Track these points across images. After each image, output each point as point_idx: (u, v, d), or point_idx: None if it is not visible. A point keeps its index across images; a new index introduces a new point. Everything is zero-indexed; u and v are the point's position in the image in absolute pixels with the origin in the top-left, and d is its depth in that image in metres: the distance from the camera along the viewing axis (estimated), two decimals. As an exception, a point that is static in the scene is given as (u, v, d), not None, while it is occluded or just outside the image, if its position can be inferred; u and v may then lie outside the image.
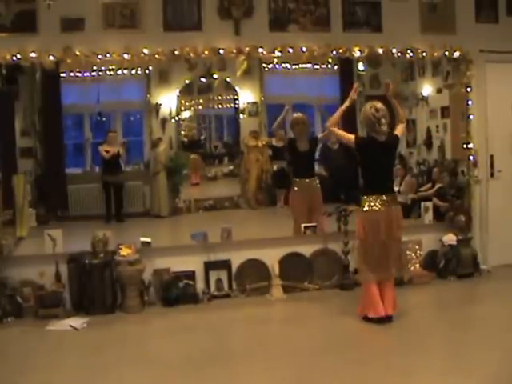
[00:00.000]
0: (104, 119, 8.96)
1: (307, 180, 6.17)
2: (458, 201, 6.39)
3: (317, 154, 7.00)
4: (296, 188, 6.18)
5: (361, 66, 7.60)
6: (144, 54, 5.49)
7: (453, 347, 4.28)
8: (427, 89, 7.45)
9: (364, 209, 4.78)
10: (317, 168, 7.81)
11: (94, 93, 8.23)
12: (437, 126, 7.32)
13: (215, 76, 8.42)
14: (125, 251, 5.30)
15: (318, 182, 6.23)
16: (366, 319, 4.74)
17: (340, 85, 8.16)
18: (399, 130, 4.92)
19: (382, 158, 4.76)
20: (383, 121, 4.67)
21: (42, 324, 4.94)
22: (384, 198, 4.73)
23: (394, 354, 4.14)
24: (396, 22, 6.03)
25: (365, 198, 4.78)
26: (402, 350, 4.23)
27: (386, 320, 4.68)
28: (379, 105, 4.71)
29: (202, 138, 9.27)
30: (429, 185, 7.11)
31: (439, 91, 7.17)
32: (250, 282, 5.68)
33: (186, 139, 8.90)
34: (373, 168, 4.79)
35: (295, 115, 6.42)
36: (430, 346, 4.27)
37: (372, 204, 4.73)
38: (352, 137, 4.84)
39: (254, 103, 8.41)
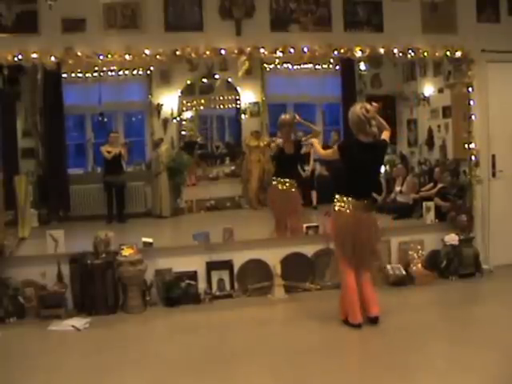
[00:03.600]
0: (106, 120, 8.96)
1: (286, 180, 6.14)
2: (459, 201, 6.38)
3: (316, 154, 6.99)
4: (274, 187, 6.19)
5: (362, 66, 7.61)
6: (145, 54, 5.49)
7: (454, 347, 4.27)
8: (429, 88, 7.44)
9: (336, 208, 4.66)
10: (318, 168, 7.84)
11: (95, 93, 8.25)
12: (438, 126, 7.31)
13: (216, 76, 8.42)
14: (127, 251, 5.30)
15: (296, 185, 6.19)
16: (346, 323, 4.66)
17: (341, 84, 8.17)
18: (385, 135, 4.76)
19: (365, 161, 4.58)
20: (373, 122, 4.53)
21: (43, 324, 4.94)
22: (356, 203, 4.58)
23: (395, 354, 4.13)
24: (397, 21, 6.02)
25: (337, 197, 4.66)
26: (403, 349, 4.22)
27: (370, 323, 4.62)
28: (369, 106, 4.58)
29: (202, 138, 9.26)
30: (430, 185, 7.10)
31: (441, 91, 7.17)
32: (251, 282, 5.68)
33: (186, 139, 8.89)
34: (354, 171, 4.59)
35: (283, 117, 6.29)
36: (430, 345, 4.26)
37: (342, 205, 4.60)
38: (335, 147, 4.77)
39: (256, 103, 8.40)
